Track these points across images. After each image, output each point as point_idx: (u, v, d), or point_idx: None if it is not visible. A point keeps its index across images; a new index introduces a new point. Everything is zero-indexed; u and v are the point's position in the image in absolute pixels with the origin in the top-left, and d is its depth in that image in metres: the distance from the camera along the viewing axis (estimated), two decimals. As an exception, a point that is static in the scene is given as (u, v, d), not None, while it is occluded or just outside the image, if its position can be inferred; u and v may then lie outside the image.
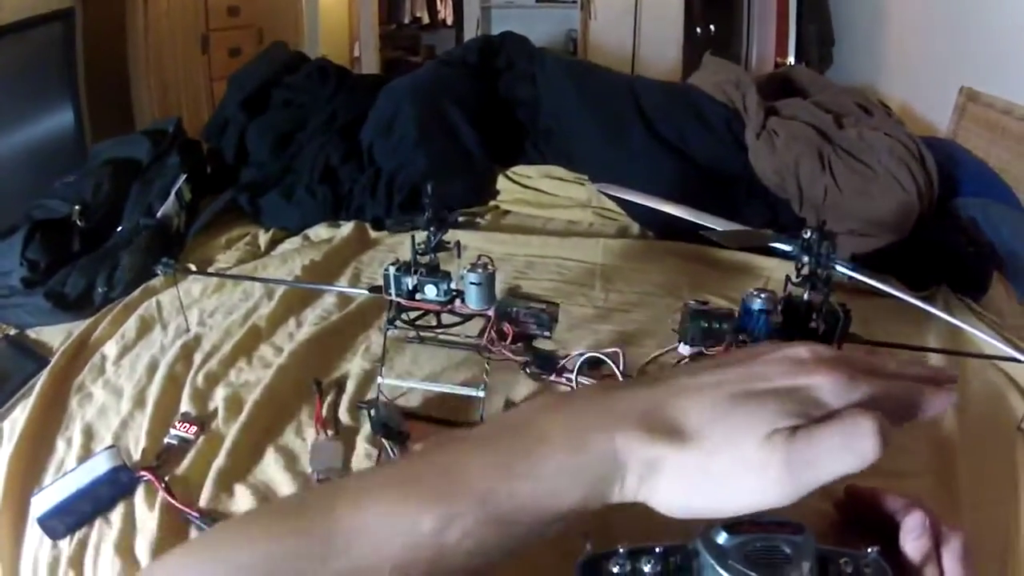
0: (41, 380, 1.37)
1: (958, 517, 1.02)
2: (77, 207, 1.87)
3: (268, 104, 2.56)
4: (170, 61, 5.05)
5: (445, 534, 0.58)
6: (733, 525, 0.66)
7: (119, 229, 1.92)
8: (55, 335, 1.59)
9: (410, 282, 1.16)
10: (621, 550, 0.67)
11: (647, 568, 0.66)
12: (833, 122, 2.19)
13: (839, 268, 1.10)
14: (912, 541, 0.74)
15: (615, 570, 0.66)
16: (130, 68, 4.81)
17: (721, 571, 0.63)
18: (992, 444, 1.20)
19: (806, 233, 1.11)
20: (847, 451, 0.58)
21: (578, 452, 0.60)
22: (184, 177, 2.04)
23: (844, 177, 1.98)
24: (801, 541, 0.65)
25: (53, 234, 1.79)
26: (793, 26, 6.14)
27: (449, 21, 8.87)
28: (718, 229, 1.35)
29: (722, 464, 0.59)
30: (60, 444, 1.25)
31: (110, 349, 1.49)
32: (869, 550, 0.69)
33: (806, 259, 1.10)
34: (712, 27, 7.21)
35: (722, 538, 0.65)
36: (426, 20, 8.95)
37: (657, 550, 0.67)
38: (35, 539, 1.08)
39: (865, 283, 1.16)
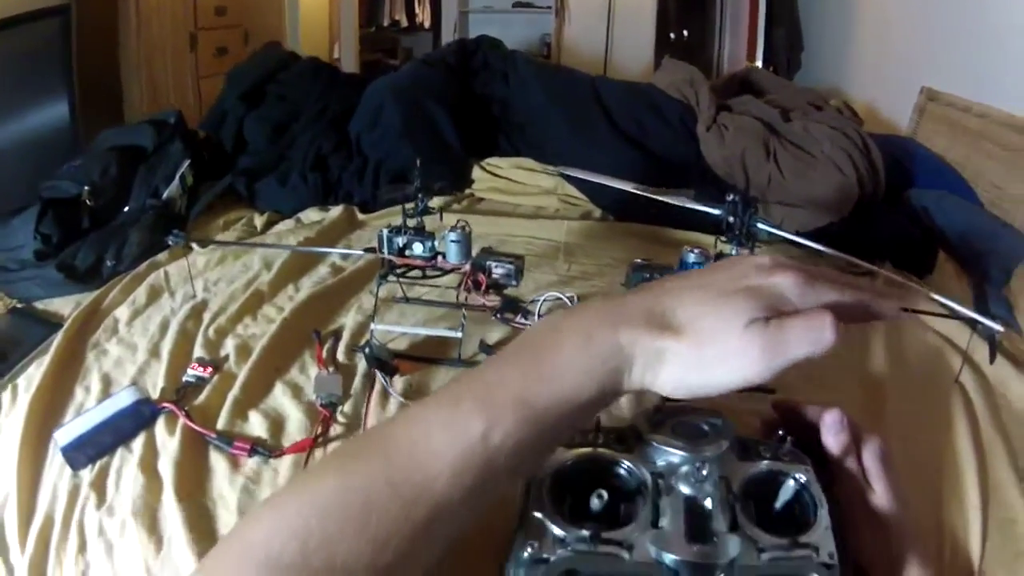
0: (56, 340, 1.49)
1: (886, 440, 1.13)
2: (87, 187, 1.97)
3: (264, 98, 2.70)
4: (160, 58, 5.09)
5: (491, 437, 0.66)
6: (662, 408, 0.83)
7: (126, 208, 2.03)
8: (64, 305, 1.70)
9: (400, 241, 1.34)
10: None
11: (600, 440, 0.81)
12: (780, 116, 2.35)
13: (760, 226, 1.28)
14: (832, 436, 0.84)
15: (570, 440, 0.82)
16: (121, 64, 4.84)
17: (653, 443, 0.78)
18: (927, 392, 1.32)
19: (729, 197, 1.29)
20: (810, 338, 0.67)
21: (589, 348, 0.69)
22: (188, 162, 2.16)
23: (787, 163, 2.13)
24: (720, 424, 0.81)
25: (64, 212, 1.89)
26: (762, 31, 6.20)
27: (427, 24, 8.88)
28: (653, 197, 1.54)
29: (712, 350, 0.68)
30: (79, 391, 1.37)
31: (122, 313, 1.61)
32: (786, 440, 0.82)
33: (731, 219, 1.28)
34: (685, 32, 7.27)
35: (653, 418, 0.82)
36: (404, 23, 8.95)
37: (601, 427, 0.83)
38: (55, 472, 1.19)
39: (783, 237, 1.34)
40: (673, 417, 0.82)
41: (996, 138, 2.46)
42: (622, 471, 0.79)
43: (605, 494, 0.74)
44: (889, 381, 1.34)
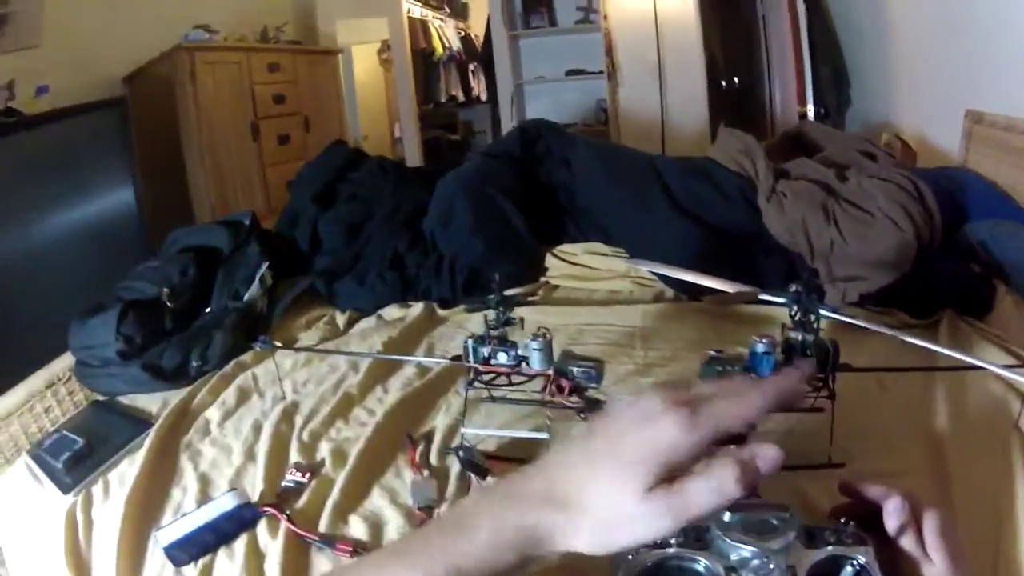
0: (149, 438, 1.57)
1: (950, 507, 1.17)
2: (166, 289, 2.04)
3: (335, 198, 2.79)
4: (223, 147, 5.28)
5: None
6: (734, 506, 0.88)
7: (207, 310, 2.11)
8: (149, 402, 1.79)
9: (485, 351, 1.41)
10: None
11: (672, 540, 0.87)
12: (835, 176, 2.38)
13: (823, 312, 1.33)
14: (892, 520, 0.89)
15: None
16: (184, 152, 5.04)
17: (726, 539, 0.84)
18: (987, 442, 1.35)
19: (791, 287, 1.34)
20: (714, 495, 0.72)
21: (503, 532, 0.76)
22: (267, 264, 2.23)
23: (847, 225, 2.15)
24: (787, 516, 0.86)
25: (144, 313, 1.96)
26: (808, 70, 6.19)
27: (484, 97, 8.96)
28: (724, 290, 1.59)
29: (617, 519, 0.74)
30: (176, 492, 1.45)
31: (212, 414, 1.70)
32: (848, 524, 0.88)
33: (795, 307, 1.34)
34: (736, 79, 7.27)
35: (726, 516, 0.86)
36: (461, 98, 9.09)
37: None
38: (155, 570, 1.28)
39: (848, 322, 1.40)
40: (744, 513, 0.87)
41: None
42: (699, 568, 0.86)
43: None
44: (951, 436, 1.38)
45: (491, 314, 1.44)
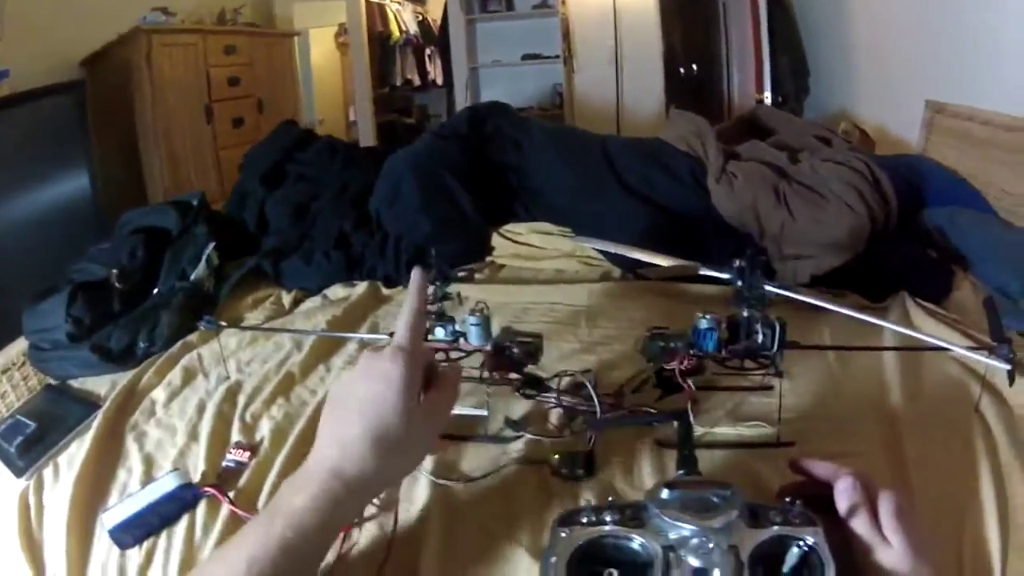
0: (96, 421, 1.55)
1: (907, 490, 1.16)
2: (115, 271, 2.01)
3: (283, 178, 2.76)
4: (177, 130, 5.28)
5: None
6: (672, 483, 0.88)
7: (155, 291, 2.07)
8: (98, 384, 1.76)
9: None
10: (588, 506, 0.90)
11: (608, 517, 0.86)
12: (788, 158, 2.37)
13: (768, 288, 1.32)
14: (843, 501, 0.90)
15: (583, 520, 0.87)
16: (139, 137, 5.03)
17: (664, 518, 0.83)
18: (945, 425, 1.34)
19: (736, 263, 1.34)
20: (452, 398, 1.13)
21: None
22: (213, 244, 2.20)
23: (798, 208, 2.13)
24: (729, 494, 0.85)
25: (94, 295, 1.93)
26: (767, 59, 6.21)
27: (440, 81, 9.00)
28: (664, 265, 1.58)
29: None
30: (121, 473, 1.42)
31: (159, 394, 1.67)
32: (795, 503, 0.87)
33: (739, 283, 1.32)
34: (695, 67, 7.28)
35: (664, 493, 0.86)
36: (417, 82, 9.09)
37: (615, 504, 0.88)
38: (103, 552, 1.26)
39: (793, 299, 1.38)
40: (682, 489, 0.87)
41: (1002, 143, 2.49)
42: (635, 547, 0.83)
43: (616, 573, 0.80)
44: (907, 417, 1.37)
45: (429, 289, 1.40)
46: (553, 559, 0.82)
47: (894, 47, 4.01)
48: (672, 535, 0.82)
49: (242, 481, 1.35)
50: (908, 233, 2.19)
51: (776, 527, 0.84)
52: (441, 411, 1.09)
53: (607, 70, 7.13)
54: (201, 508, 1.29)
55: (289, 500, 0.95)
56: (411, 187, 2.44)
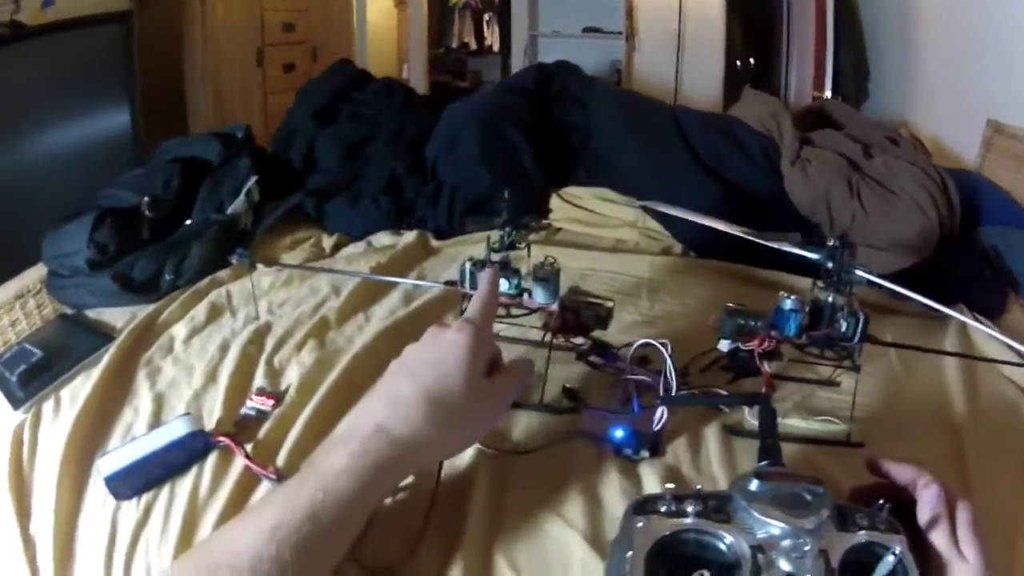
0: (108, 353, 1.45)
1: (969, 496, 1.06)
2: (147, 198, 1.92)
3: (336, 116, 2.68)
4: (226, 72, 5.14)
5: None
6: (762, 474, 0.80)
7: (188, 222, 1.99)
8: (117, 316, 1.66)
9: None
10: (667, 494, 0.81)
11: (689, 508, 0.78)
12: (862, 152, 2.30)
13: (858, 273, 1.23)
14: (927, 510, 0.85)
15: (662, 508, 0.79)
16: (186, 76, 4.88)
17: (753, 512, 0.76)
18: (1006, 443, 1.29)
19: (830, 241, 1.25)
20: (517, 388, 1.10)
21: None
22: (255, 178, 2.12)
23: (870, 202, 2.08)
24: (821, 492, 0.78)
25: (121, 221, 1.85)
26: (831, 59, 6.11)
27: (496, 48, 8.93)
28: (752, 236, 1.48)
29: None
30: (128, 412, 1.31)
31: (179, 330, 1.56)
32: (880, 506, 0.81)
33: (830, 264, 1.23)
34: (752, 61, 7.21)
35: (753, 485, 0.78)
36: (473, 46, 9.02)
37: (698, 492, 0.81)
38: (98, 501, 1.14)
39: (882, 286, 1.28)
40: (773, 482, 0.80)
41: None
42: (721, 546, 0.76)
43: (707, 575, 0.74)
44: (968, 429, 1.31)
45: (494, 236, 1.31)
46: (629, 553, 0.75)
47: (959, 60, 3.91)
48: (760, 533, 0.75)
49: (262, 432, 1.24)
50: (967, 247, 2.12)
51: (863, 532, 0.79)
52: (505, 394, 1.05)
53: (668, 53, 6.98)
54: (211, 460, 1.17)
55: (325, 458, 0.89)
56: (472, 137, 2.36)
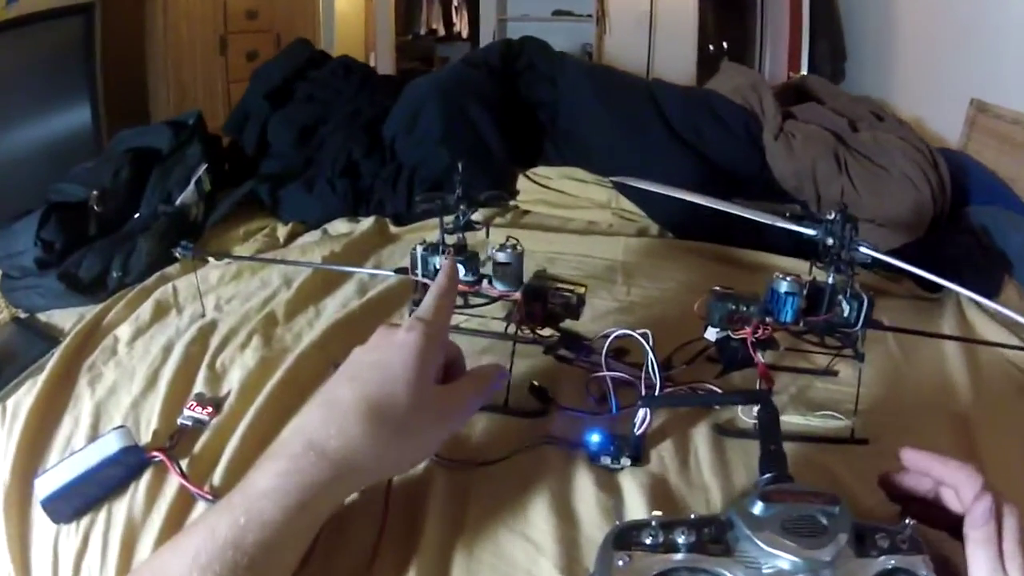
0: (52, 360, 1.35)
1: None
2: (95, 192, 1.86)
3: (291, 98, 2.57)
4: (188, 62, 5.12)
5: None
6: (768, 494, 0.68)
7: (136, 215, 1.92)
8: (66, 318, 1.57)
9: (437, 261, 1.16)
10: (653, 521, 0.68)
11: (681, 539, 0.66)
12: (848, 126, 2.23)
13: (863, 249, 1.11)
14: (978, 529, 0.74)
15: (647, 541, 0.66)
16: (148, 67, 4.86)
17: (758, 542, 0.64)
18: (1014, 433, 1.21)
19: (829, 215, 1.13)
20: (486, 390, 0.99)
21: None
22: (205, 167, 2.04)
23: (860, 177, 2.00)
24: (837, 512, 0.67)
25: (70, 217, 1.79)
26: (806, 42, 6.11)
27: (465, 34, 8.99)
28: (743, 211, 1.37)
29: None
30: (67, 423, 1.22)
31: (123, 331, 1.47)
32: (905, 523, 0.70)
33: (830, 241, 1.12)
34: (725, 44, 7.20)
35: (757, 508, 0.66)
36: (441, 32, 9.08)
37: (691, 520, 0.68)
38: (41, 527, 1.05)
39: (889, 263, 1.19)
40: (782, 503, 0.68)
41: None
42: None
43: None
44: (976, 418, 1.23)
45: (448, 216, 1.18)
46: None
47: (940, 39, 3.97)
48: (767, 568, 0.64)
49: (198, 446, 1.13)
50: (958, 225, 2.08)
51: (885, 556, 0.68)
52: (464, 403, 0.95)
53: (639, 36, 7.00)
54: (147, 477, 1.07)
55: (251, 477, 0.80)
56: (433, 114, 2.26)
